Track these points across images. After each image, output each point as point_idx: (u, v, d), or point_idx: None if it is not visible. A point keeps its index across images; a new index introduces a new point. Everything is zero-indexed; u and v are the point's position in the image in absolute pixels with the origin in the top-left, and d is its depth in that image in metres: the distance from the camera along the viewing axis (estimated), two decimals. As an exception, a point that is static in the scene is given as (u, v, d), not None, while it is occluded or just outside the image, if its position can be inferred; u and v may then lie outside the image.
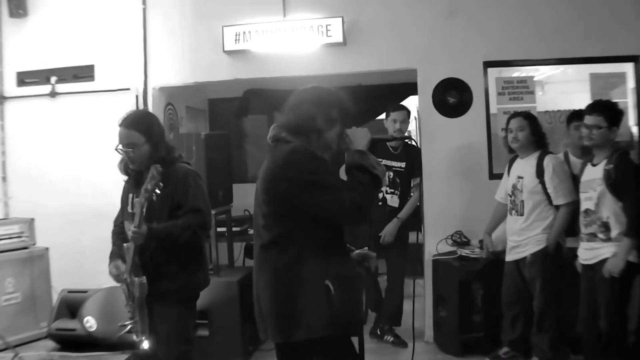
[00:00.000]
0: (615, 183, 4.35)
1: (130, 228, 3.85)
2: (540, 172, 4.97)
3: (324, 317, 2.94)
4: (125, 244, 3.92)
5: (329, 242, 3.03)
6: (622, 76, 5.90)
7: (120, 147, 4.00)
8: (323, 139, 3.06)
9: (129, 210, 4.06)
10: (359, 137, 3.03)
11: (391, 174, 5.96)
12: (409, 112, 6.38)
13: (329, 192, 2.88)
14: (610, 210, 4.37)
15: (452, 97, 6.07)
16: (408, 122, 6.34)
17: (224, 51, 6.34)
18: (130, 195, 4.12)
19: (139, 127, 3.97)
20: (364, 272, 3.38)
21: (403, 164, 6.03)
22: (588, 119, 4.50)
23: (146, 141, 3.93)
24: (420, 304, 6.41)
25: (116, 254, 4.12)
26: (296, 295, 2.97)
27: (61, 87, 6.89)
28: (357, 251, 3.34)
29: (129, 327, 4.09)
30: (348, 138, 3.04)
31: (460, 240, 5.83)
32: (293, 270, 2.99)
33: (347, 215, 2.94)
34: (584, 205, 4.56)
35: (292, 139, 3.04)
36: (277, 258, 3.03)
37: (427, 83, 6.12)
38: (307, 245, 2.98)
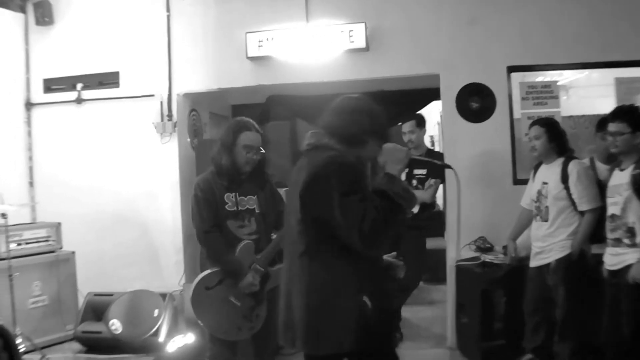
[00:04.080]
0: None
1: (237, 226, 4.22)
2: (565, 178, 4.90)
3: (357, 331, 2.89)
4: (245, 242, 4.17)
5: (359, 252, 2.95)
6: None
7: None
8: (366, 149, 3.03)
9: (231, 208, 4.23)
10: (395, 158, 2.95)
11: (414, 181, 5.92)
12: (418, 121, 6.36)
13: (348, 214, 2.82)
14: (636, 216, 4.28)
15: (475, 103, 6.03)
16: (418, 131, 6.30)
17: (247, 57, 6.37)
18: (232, 194, 4.24)
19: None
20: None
21: (425, 171, 6.00)
22: (611, 127, 4.42)
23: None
24: (442, 310, 6.40)
25: (224, 253, 4.19)
26: (330, 307, 2.94)
27: (87, 94, 6.98)
28: (384, 257, 3.29)
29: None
30: (383, 156, 2.98)
31: (484, 246, 5.77)
32: (327, 281, 2.97)
33: (357, 243, 2.86)
34: (610, 210, 4.48)
35: (334, 146, 3.02)
36: (311, 267, 3.00)
37: (449, 88, 6.09)
38: (342, 255, 2.94)
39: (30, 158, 7.20)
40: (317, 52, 6.22)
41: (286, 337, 3.18)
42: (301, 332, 3.03)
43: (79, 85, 6.97)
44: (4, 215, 5.31)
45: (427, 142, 7.62)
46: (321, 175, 2.91)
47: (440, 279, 6.36)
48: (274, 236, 4.36)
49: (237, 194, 4.25)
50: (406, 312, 6.51)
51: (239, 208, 4.25)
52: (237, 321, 4.12)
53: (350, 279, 2.94)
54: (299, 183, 3.02)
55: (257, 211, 4.29)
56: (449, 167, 3.61)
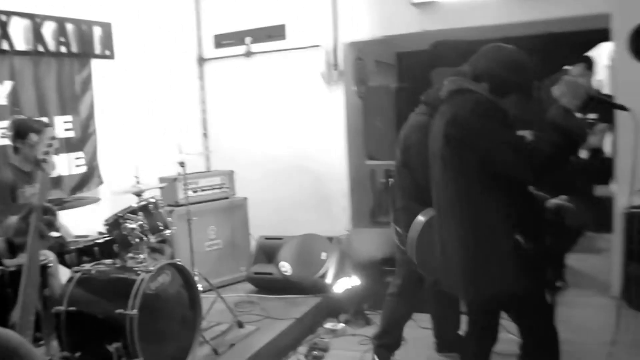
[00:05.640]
0: None
1: None
2: None
3: (514, 272, 2.90)
4: None
5: (515, 192, 2.95)
6: None
7: None
8: (509, 100, 2.99)
9: None
10: (574, 92, 2.87)
11: None
12: (588, 64, 6.06)
13: (507, 149, 2.82)
14: None
15: (651, 43, 5.65)
16: (588, 75, 6.02)
17: (412, 3, 6.30)
18: None
19: None
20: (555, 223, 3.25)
21: (595, 116, 5.74)
22: None
23: None
24: (607, 258, 6.16)
25: None
26: (487, 250, 2.95)
27: (255, 47, 7.14)
28: (553, 200, 3.21)
29: None
30: (561, 89, 2.89)
31: (656, 193, 5.47)
32: (480, 223, 2.97)
33: (520, 175, 2.87)
34: None
35: (475, 88, 3.00)
36: (466, 210, 3.02)
37: (622, 28, 5.68)
38: (493, 195, 2.94)
39: (204, 110, 7.53)
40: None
41: (445, 282, 3.22)
42: (460, 276, 3.08)
43: (248, 40, 7.13)
44: (182, 164, 5.50)
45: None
46: (469, 115, 2.92)
47: (607, 227, 6.09)
48: None
49: None
50: (571, 259, 6.34)
51: None
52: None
53: (502, 219, 2.93)
54: (442, 130, 3.03)
55: None
56: (625, 109, 3.32)
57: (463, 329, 3.85)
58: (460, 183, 3.02)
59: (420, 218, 3.96)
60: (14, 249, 2.14)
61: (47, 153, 2.28)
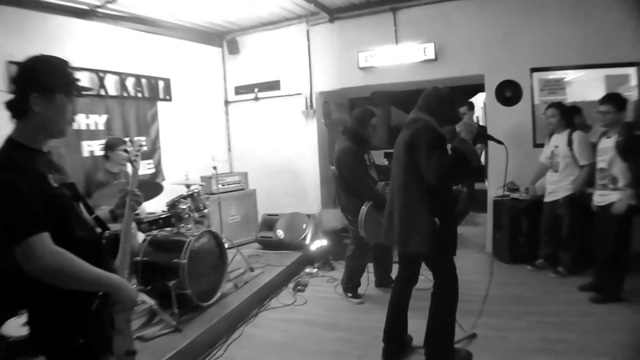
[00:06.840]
0: (622, 150, 4.02)
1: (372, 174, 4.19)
2: (570, 143, 4.69)
3: (431, 241, 2.94)
4: (383, 183, 4.19)
5: (438, 189, 2.94)
6: (627, 77, 5.34)
7: None
8: (443, 119, 3.02)
9: (367, 163, 4.28)
10: (467, 128, 2.88)
11: None
12: (469, 106, 6.21)
13: (430, 159, 2.83)
14: (618, 169, 4.06)
15: (508, 93, 5.76)
16: (469, 112, 6.15)
17: (359, 67, 6.34)
18: (366, 155, 4.31)
19: None
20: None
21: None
22: (601, 108, 4.15)
23: None
24: (483, 229, 6.28)
25: (376, 190, 4.17)
26: (416, 223, 2.98)
27: (261, 95, 7.13)
28: (453, 187, 3.25)
29: None
30: (460, 127, 2.92)
31: (512, 187, 5.61)
32: (415, 205, 2.99)
33: (429, 178, 2.87)
34: (600, 164, 4.25)
35: (426, 118, 3.01)
36: (406, 195, 3.03)
37: (491, 84, 5.84)
38: (427, 187, 2.94)
39: (228, 134, 7.49)
40: (403, 62, 6.11)
41: (387, 239, 3.25)
42: (397, 236, 3.10)
43: (256, 89, 7.12)
44: (215, 168, 5.52)
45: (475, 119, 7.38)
46: (418, 135, 2.92)
47: (483, 209, 6.21)
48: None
49: (366, 154, 4.31)
50: (460, 230, 6.41)
51: (370, 162, 4.30)
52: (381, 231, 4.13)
53: (428, 205, 2.95)
54: (404, 141, 3.04)
55: (374, 163, 4.37)
56: (501, 143, 3.35)
57: (394, 272, 3.84)
58: (406, 177, 3.03)
59: (364, 207, 4.11)
60: (115, 218, 2.17)
61: (137, 156, 2.31)
